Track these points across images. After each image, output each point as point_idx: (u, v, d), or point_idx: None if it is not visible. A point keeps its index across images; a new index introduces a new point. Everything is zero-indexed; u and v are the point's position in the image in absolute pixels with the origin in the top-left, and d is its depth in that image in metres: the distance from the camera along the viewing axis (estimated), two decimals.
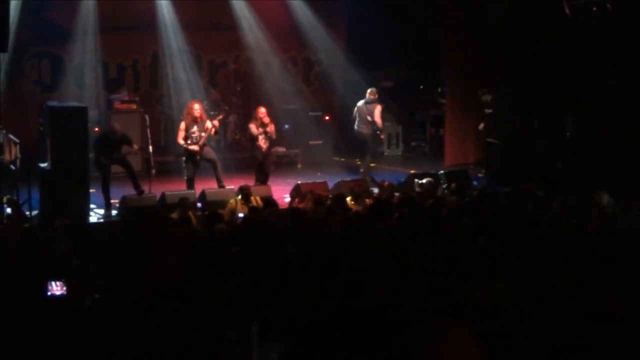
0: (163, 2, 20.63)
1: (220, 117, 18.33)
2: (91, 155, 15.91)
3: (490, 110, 19.63)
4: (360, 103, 18.77)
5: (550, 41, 17.96)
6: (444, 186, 16.04)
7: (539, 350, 4.91)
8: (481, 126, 20.02)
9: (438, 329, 3.41)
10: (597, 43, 16.86)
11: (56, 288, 6.84)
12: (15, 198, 15.05)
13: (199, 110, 16.81)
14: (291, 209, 14.08)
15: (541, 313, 5.50)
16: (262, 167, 17.39)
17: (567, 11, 16.10)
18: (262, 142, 17.33)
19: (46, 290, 6.84)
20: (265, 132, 17.30)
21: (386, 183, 15.60)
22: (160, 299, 4.33)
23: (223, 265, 7.80)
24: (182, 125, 16.77)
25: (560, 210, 12.02)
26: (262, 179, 17.19)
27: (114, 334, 4.31)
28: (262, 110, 17.52)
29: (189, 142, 16.60)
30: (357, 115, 18.75)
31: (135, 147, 16.58)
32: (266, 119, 17.36)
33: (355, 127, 18.73)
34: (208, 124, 16.82)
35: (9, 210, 14.53)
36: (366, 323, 5.52)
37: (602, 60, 16.91)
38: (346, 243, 9.46)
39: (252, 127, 17.43)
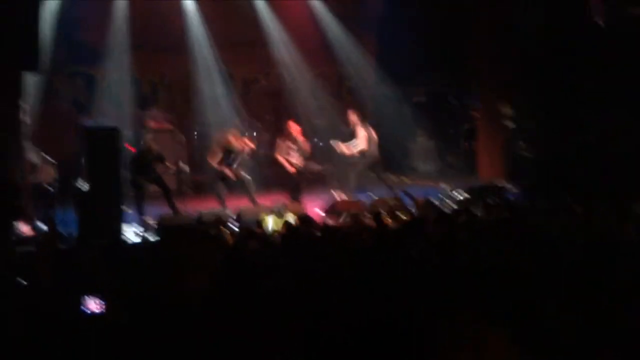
0: (193, 18, 20.75)
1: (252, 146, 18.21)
2: (126, 175, 16.01)
3: (512, 123, 19.62)
4: None
5: (582, 51, 17.85)
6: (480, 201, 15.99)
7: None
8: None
9: (474, 334, 3.39)
10: (626, 51, 16.73)
11: (94, 305, 6.89)
12: (51, 214, 15.21)
13: (235, 142, 16.85)
14: (330, 227, 14.09)
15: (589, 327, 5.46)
16: (295, 184, 17.42)
17: (600, 22, 16.01)
18: (295, 159, 17.36)
19: (82, 306, 6.88)
20: (298, 148, 17.34)
21: (421, 199, 15.56)
22: (195, 314, 4.36)
23: (256, 281, 7.82)
24: (218, 149, 16.85)
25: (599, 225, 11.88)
26: (295, 196, 17.21)
27: (150, 348, 4.34)
28: (293, 125, 17.54)
29: (224, 164, 16.66)
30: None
31: (170, 166, 16.68)
32: (298, 135, 17.38)
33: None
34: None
35: (44, 227, 14.67)
36: (398, 336, 5.52)
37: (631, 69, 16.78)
38: (379, 258, 9.43)
39: (281, 144, 17.48)
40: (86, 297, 7.03)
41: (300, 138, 17.42)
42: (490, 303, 6.80)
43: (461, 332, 3.57)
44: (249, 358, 4.68)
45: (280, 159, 17.50)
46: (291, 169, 17.19)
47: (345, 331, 5.95)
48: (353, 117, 18.15)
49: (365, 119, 18.55)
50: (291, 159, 17.41)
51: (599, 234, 10.90)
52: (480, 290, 7.43)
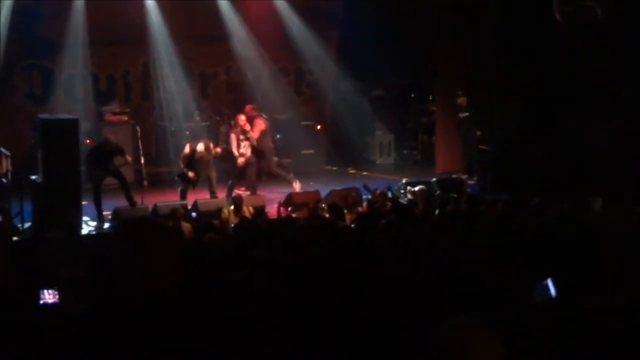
0: (153, 13, 20.61)
1: (219, 150, 18.18)
2: (83, 168, 15.87)
3: (465, 114, 19.76)
4: None
5: (544, 46, 17.96)
6: (437, 193, 16.07)
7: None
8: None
9: (455, 328, 3.36)
10: (589, 48, 16.87)
11: (49, 296, 6.82)
12: (6, 206, 15.05)
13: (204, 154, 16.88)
14: (284, 218, 14.07)
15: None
16: (242, 174, 17.48)
17: (558, 17, 16.11)
18: (245, 149, 17.37)
19: (39, 298, 6.82)
20: (247, 139, 17.35)
21: (378, 191, 15.58)
22: (153, 306, 4.31)
23: (213, 273, 7.79)
24: (187, 149, 16.95)
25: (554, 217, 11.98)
26: (251, 187, 17.21)
27: (107, 340, 4.28)
28: (242, 117, 17.61)
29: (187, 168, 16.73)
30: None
31: (129, 158, 16.59)
32: (247, 126, 17.39)
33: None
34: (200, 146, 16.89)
35: None
36: (368, 328, 5.51)
37: (595, 65, 16.92)
38: (337, 250, 9.44)
39: (232, 136, 17.57)
40: (42, 289, 6.97)
41: (247, 127, 17.44)
42: (455, 295, 6.82)
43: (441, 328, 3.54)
44: (211, 351, 4.64)
45: (234, 150, 17.53)
46: (240, 160, 17.12)
47: (308, 325, 5.94)
48: (252, 112, 17.96)
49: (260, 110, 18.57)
50: (241, 149, 17.44)
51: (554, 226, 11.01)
52: (443, 282, 7.45)
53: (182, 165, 16.91)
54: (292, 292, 6.98)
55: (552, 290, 5.67)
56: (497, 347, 3.35)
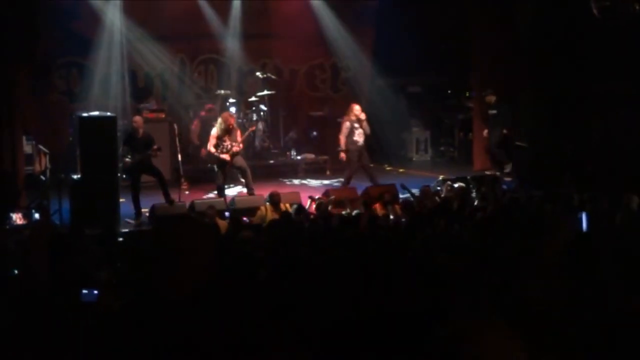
0: (193, 10, 20.73)
1: (253, 128, 18.50)
2: (120, 164, 15.89)
3: (494, 112, 19.70)
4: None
5: (578, 43, 17.85)
6: (474, 190, 16.04)
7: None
8: (485, 132, 20.04)
9: (474, 327, 3.36)
10: (624, 44, 16.75)
11: (88, 295, 6.89)
12: (44, 203, 15.18)
13: (233, 121, 16.91)
14: (319, 215, 14.10)
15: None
16: (355, 164, 17.81)
17: (595, 12, 15.99)
18: (359, 137, 17.57)
19: (79, 296, 6.89)
20: (362, 128, 17.66)
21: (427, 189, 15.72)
22: (188, 303, 4.35)
23: (248, 270, 7.81)
24: (214, 132, 16.80)
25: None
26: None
27: (143, 336, 4.32)
28: (357, 107, 17.88)
29: (219, 150, 16.64)
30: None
31: (155, 148, 16.16)
32: (362, 115, 17.67)
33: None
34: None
35: (37, 215, 14.66)
36: (396, 329, 5.50)
37: (629, 62, 16.80)
38: (375, 247, 9.43)
39: (347, 124, 17.65)
40: (82, 288, 7.04)
41: (362, 116, 17.70)
42: (489, 292, 6.80)
43: (461, 325, 3.54)
44: (244, 350, 4.67)
45: (342, 138, 17.79)
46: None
47: (341, 324, 5.93)
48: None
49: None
50: (354, 137, 17.60)
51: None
52: (477, 279, 7.42)
53: (212, 150, 16.79)
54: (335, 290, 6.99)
55: (585, 224, 5.67)
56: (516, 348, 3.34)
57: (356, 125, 17.63)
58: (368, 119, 18.03)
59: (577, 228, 5.89)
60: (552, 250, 6.24)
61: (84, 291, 6.94)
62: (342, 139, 17.70)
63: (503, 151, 19.65)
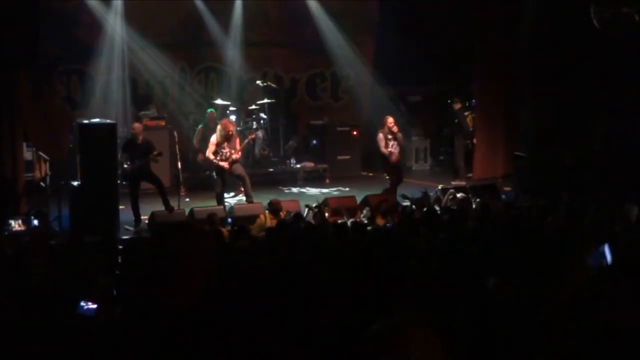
0: (194, 18, 20.79)
1: (253, 136, 18.53)
2: (119, 171, 15.89)
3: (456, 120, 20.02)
4: None
5: (580, 51, 17.86)
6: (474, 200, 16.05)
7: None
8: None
9: (394, 323, 3.32)
10: (625, 53, 16.77)
11: (87, 305, 6.87)
12: (44, 209, 15.17)
13: (232, 128, 16.93)
14: (317, 223, 14.10)
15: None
16: (397, 171, 18.14)
17: (596, 22, 16.01)
18: (394, 149, 17.70)
19: (77, 306, 6.87)
20: (396, 140, 17.79)
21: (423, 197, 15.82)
22: (188, 311, 4.34)
23: (247, 279, 7.81)
24: (214, 139, 16.80)
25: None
26: (397, 181, 17.91)
27: (142, 345, 4.32)
28: (390, 119, 17.92)
29: (218, 157, 16.64)
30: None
31: (155, 153, 16.12)
32: (395, 128, 17.74)
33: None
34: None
35: (36, 222, 14.65)
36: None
37: (630, 71, 16.81)
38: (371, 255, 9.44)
39: (380, 136, 17.80)
40: (81, 299, 7.02)
41: (395, 129, 17.83)
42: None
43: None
44: (244, 355, 4.68)
45: (382, 149, 17.89)
46: (393, 158, 17.45)
47: (339, 329, 5.94)
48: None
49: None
50: (389, 148, 17.73)
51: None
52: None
53: (211, 157, 16.76)
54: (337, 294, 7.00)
55: (609, 257, 5.50)
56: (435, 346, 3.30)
57: (389, 136, 17.78)
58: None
59: (598, 262, 5.67)
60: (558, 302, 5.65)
61: (82, 304, 6.91)
62: (384, 150, 17.84)
63: (463, 162, 20.29)
